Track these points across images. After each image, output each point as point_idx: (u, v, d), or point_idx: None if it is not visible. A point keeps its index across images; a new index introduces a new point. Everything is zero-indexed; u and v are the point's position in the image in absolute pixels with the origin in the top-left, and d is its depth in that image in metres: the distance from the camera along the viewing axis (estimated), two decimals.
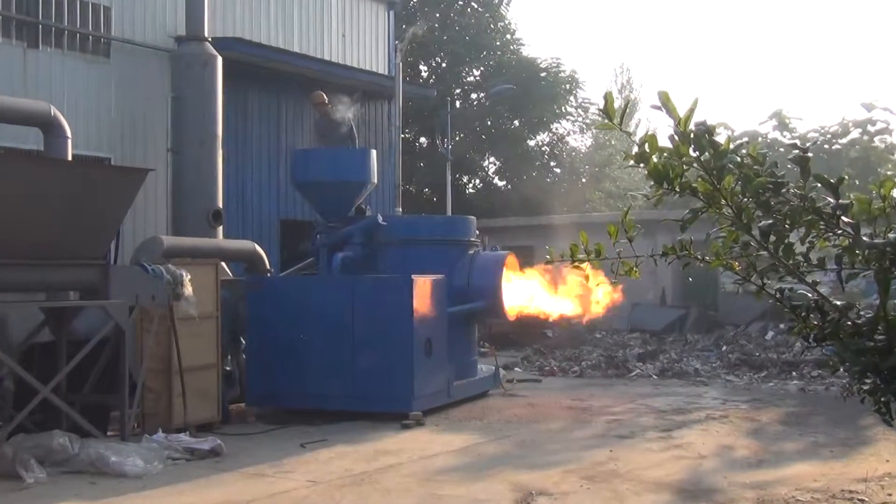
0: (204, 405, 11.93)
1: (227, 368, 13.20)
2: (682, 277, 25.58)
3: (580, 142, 41.95)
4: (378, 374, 12.76)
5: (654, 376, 17.93)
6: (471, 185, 39.87)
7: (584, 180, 40.10)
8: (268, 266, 15.51)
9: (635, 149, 4.04)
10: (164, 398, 11.52)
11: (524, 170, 37.69)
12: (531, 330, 23.11)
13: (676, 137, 4.01)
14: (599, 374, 18.26)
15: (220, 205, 16.62)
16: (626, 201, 32.19)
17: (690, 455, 10.40)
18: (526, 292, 15.25)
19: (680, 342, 22.35)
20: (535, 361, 20.08)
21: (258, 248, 15.54)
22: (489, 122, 37.61)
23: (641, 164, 4.01)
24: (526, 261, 16.02)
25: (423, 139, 38.63)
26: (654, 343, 21.97)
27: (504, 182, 39.43)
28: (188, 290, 11.34)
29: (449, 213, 26.59)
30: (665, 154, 4.04)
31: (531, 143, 38.88)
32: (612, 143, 39.14)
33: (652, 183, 4.04)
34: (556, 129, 39.81)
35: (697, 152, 4.01)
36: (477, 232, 15.57)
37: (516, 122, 37.61)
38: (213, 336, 12.21)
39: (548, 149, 39.54)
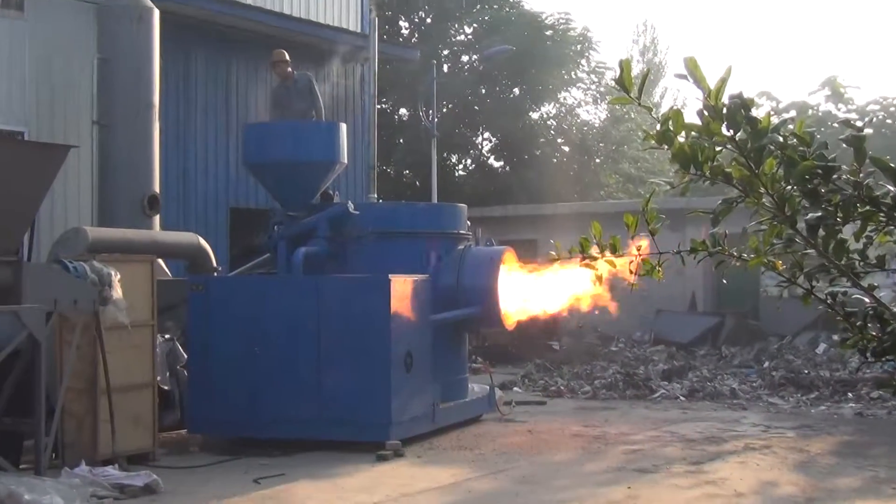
0: (136, 432, 11.93)
1: (165, 388, 13.21)
2: (716, 279, 25.68)
3: (593, 115, 42.02)
4: (348, 395, 12.77)
5: (682, 398, 18.00)
6: (461, 167, 39.90)
7: (597, 161, 40.16)
8: (214, 264, 15.49)
9: (658, 126, 4.06)
10: (87, 424, 11.51)
11: (526, 148, 37.74)
12: (534, 341, 23.16)
13: (706, 112, 4.03)
14: (616, 396, 18.32)
15: (157, 189, 16.60)
16: (649, 187, 32.27)
17: (725, 493, 10.44)
18: (528, 296, 15.28)
19: (713, 357, 22.42)
20: (539, 380, 20.14)
21: (203, 241, 15.51)
22: (483, 91, 37.63)
23: (665, 146, 4.03)
24: (528, 257, 16.05)
25: (403, 111, 38.62)
26: (682, 358, 22.05)
27: (501, 163, 39.45)
28: (117, 292, 11.33)
29: (434, 199, 26.61)
30: (693, 133, 4.06)
31: (534, 115, 38.94)
32: (632, 115, 39.18)
33: (677, 167, 4.06)
34: (565, 99, 39.92)
35: (731, 130, 4.03)
36: (468, 223, 15.59)
37: (516, 91, 37.66)
38: (149, 349, 12.21)
39: (554, 123, 39.60)
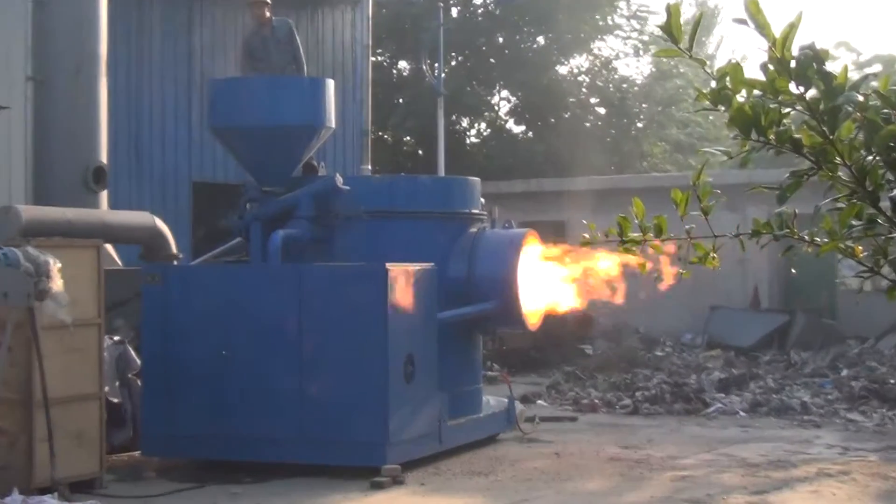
0: (80, 454, 11.93)
1: (115, 400, 13.23)
2: (784, 269, 25.64)
3: (634, 69, 42.07)
4: (336, 410, 12.78)
5: (743, 413, 17.98)
6: (474, 132, 39.91)
7: (639, 126, 40.13)
8: (174, 250, 15.50)
9: (712, 83, 4.06)
10: (21, 443, 11.52)
11: (552, 110, 37.71)
12: (562, 345, 23.16)
13: (771, 66, 4.03)
14: (662, 411, 18.30)
15: (105, 159, 16.62)
16: (701, 158, 32.31)
17: None
18: (555, 289, 15.28)
19: (780, 364, 22.39)
20: (569, 391, 20.13)
21: (160, 223, 15.52)
22: (501, 40, 37.60)
23: (721, 107, 4.04)
24: (555, 241, 16.03)
25: (403, 64, 38.63)
26: (743, 365, 22.03)
27: (522, 128, 39.45)
28: (57, 284, 11.34)
29: (441, 172, 26.61)
30: (755, 91, 4.07)
31: (562, 70, 38.90)
32: (681, 70, 39.11)
33: (735, 133, 4.07)
34: (599, 50, 39.86)
35: (801, 88, 4.04)
36: (482, 201, 15.59)
37: (540, 40, 37.60)
38: (94, 352, 12.23)
39: (587, 79, 39.55)
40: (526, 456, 14.24)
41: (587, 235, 4.73)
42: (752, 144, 4.10)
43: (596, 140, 36.74)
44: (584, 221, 5.06)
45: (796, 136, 4.09)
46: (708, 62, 4.39)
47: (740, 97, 4.07)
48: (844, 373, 20.73)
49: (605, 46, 40.04)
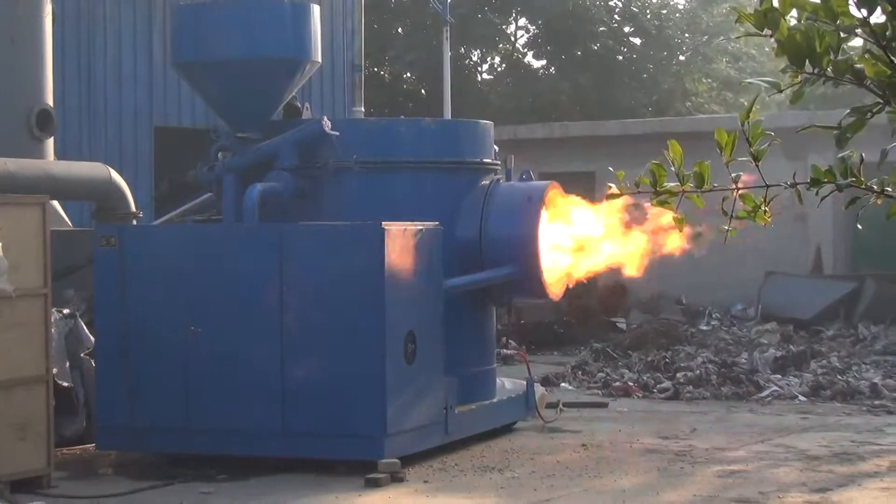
0: (24, 448, 11.96)
1: (65, 384, 13.25)
2: (850, 227, 25.59)
3: None
4: (324, 396, 12.79)
5: (802, 397, 18.01)
6: (486, 68, 39.85)
7: (681, 59, 40.05)
8: (132, 207, 15.49)
9: (757, 4, 4.03)
10: None
11: (578, 41, 37.64)
12: (590, 318, 23.18)
13: None
14: (708, 395, 18.34)
15: (50, 101, 16.61)
16: (753, 92, 32.30)
17: None
18: (582, 252, 15.26)
19: (846, 339, 22.39)
20: (598, 372, 20.17)
21: (115, 175, 15.51)
22: None
23: (767, 32, 4.00)
24: (583, 195, 16.00)
25: None
26: (803, 341, 22.04)
27: (543, 62, 39.38)
28: None
29: (448, 114, 26.58)
30: (807, 14, 4.03)
31: None
32: None
33: (785, 63, 4.03)
34: None
35: (863, 9, 4.00)
36: (496, 148, 15.57)
37: None
38: (40, 328, 12.23)
39: (619, 3, 39.45)
40: (547, 448, 14.26)
41: (613, 186, 4.67)
42: (804, 77, 4.05)
43: (630, 77, 36.67)
44: (611, 169, 5.00)
45: (857, 66, 4.05)
46: None
47: (791, 20, 4.03)
48: None
49: None
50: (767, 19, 4.02)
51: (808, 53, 3.99)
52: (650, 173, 4.41)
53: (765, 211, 4.44)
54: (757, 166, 4.31)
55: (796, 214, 22.56)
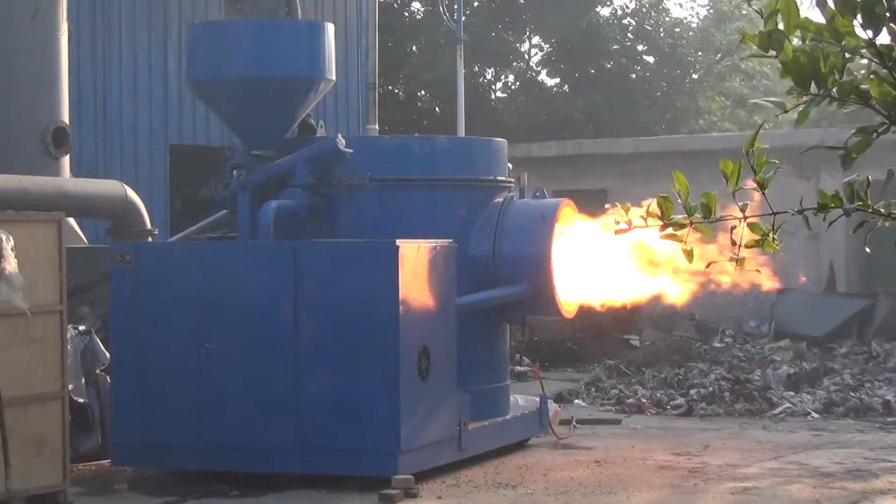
0: (40, 464, 11.99)
1: (80, 400, 13.29)
2: (862, 245, 25.55)
3: (689, 10, 41.92)
4: (338, 412, 12.84)
5: (815, 414, 18.02)
6: (500, 86, 39.85)
7: (694, 77, 40.03)
8: (148, 224, 15.55)
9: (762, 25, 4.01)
10: None
11: (591, 59, 37.64)
12: (604, 335, 23.16)
13: (831, 3, 4.00)
14: (721, 411, 18.34)
15: (66, 119, 16.67)
16: (764, 114, 32.27)
17: None
18: (595, 270, 15.27)
19: (860, 356, 22.37)
20: (611, 388, 20.18)
21: (131, 192, 15.57)
22: None
23: (771, 52, 4.00)
24: (596, 214, 16.02)
25: (416, 5, 38.61)
26: (816, 358, 22.03)
27: (557, 80, 39.39)
28: (11, 265, 11.40)
29: (461, 132, 26.62)
30: (811, 33, 4.03)
31: (604, 11, 38.82)
32: (744, 10, 38.96)
33: (790, 85, 4.02)
34: None
35: (869, 30, 4.01)
36: (510, 166, 15.61)
37: None
38: (56, 345, 12.28)
39: (633, 22, 39.45)
40: (561, 464, 14.29)
41: (618, 220, 4.59)
42: (809, 98, 4.02)
43: (643, 94, 36.65)
44: (616, 204, 4.94)
45: (863, 86, 4.02)
46: None
47: (795, 40, 4.03)
48: None
49: None
50: (772, 40, 4.02)
51: (813, 74, 3.99)
52: (656, 206, 4.37)
53: (773, 239, 4.40)
54: (763, 194, 4.28)
55: (809, 233, 22.52)
